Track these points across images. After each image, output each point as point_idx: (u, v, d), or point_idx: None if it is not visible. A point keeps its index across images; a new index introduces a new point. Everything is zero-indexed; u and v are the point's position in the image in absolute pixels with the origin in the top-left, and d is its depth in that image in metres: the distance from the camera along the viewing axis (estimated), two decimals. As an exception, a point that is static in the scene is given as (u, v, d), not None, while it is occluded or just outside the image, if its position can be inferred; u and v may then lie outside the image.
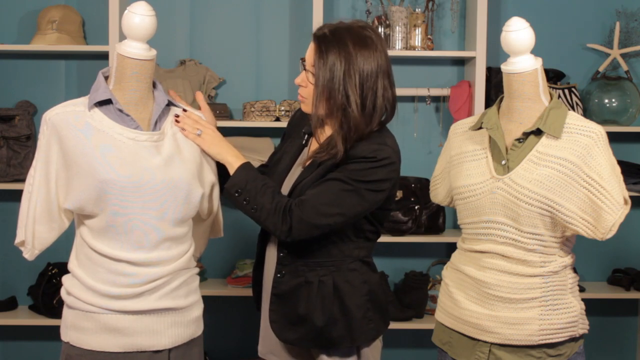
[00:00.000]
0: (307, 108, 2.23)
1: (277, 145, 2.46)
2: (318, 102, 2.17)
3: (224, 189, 2.21)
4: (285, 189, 2.27)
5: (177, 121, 2.19)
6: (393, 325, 3.54)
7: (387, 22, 3.60)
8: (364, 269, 2.28)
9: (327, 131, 2.25)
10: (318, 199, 2.14)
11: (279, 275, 2.25)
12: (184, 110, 2.22)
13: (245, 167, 2.19)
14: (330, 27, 2.19)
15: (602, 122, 3.56)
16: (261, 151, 3.59)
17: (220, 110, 3.52)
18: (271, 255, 2.31)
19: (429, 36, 3.62)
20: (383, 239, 3.58)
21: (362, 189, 2.16)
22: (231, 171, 2.19)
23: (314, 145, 2.32)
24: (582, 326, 2.26)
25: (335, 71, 2.13)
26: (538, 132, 2.19)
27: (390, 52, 3.58)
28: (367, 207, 2.19)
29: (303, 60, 2.24)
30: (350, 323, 2.23)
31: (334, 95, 2.14)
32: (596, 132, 2.17)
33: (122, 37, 2.20)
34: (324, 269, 2.23)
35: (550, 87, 3.13)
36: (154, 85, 2.20)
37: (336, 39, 2.14)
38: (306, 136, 2.34)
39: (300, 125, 2.37)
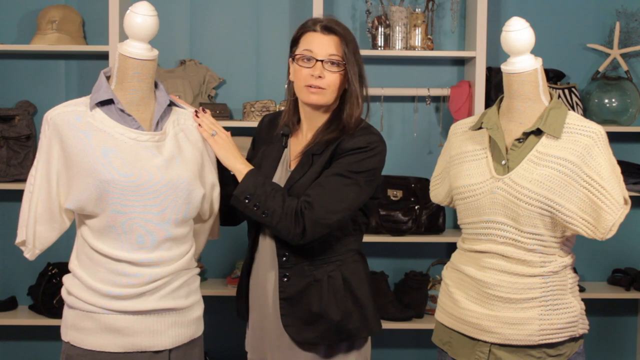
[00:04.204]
0: (324, 99, 2.27)
1: (249, 153, 2.46)
2: (339, 89, 2.27)
3: (232, 196, 2.21)
4: None
5: (197, 116, 2.22)
6: (393, 325, 3.57)
7: (387, 22, 3.60)
8: (363, 260, 2.39)
9: (317, 122, 2.31)
10: (325, 198, 2.19)
11: (284, 279, 2.27)
12: (202, 110, 2.25)
13: (253, 173, 2.22)
14: (330, 20, 2.30)
15: (602, 122, 3.56)
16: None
17: (220, 110, 3.52)
18: (265, 261, 2.33)
19: (429, 36, 3.62)
20: (383, 238, 3.59)
21: (360, 180, 2.23)
22: (239, 177, 2.22)
23: (294, 145, 2.36)
24: (582, 326, 2.26)
25: (358, 59, 2.28)
26: (538, 132, 2.20)
27: (390, 52, 3.59)
28: (366, 197, 2.27)
29: (302, 56, 2.26)
30: (365, 313, 2.30)
31: (355, 80, 2.27)
32: (596, 132, 2.17)
33: (123, 37, 2.20)
34: (330, 265, 2.28)
35: (550, 87, 3.13)
36: (156, 86, 2.20)
37: (347, 31, 2.29)
38: (284, 138, 2.37)
39: (270, 131, 2.40)
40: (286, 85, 2.38)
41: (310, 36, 2.26)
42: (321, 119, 2.31)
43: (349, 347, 2.31)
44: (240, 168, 2.23)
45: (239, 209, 2.23)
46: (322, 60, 2.23)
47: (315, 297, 2.26)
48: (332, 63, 2.23)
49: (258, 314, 2.36)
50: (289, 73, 2.34)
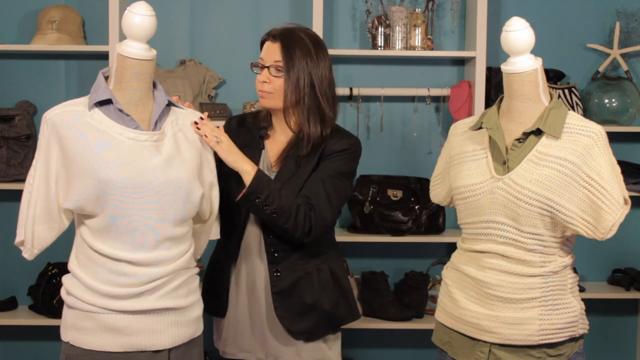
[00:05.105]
0: (273, 102, 2.40)
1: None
2: (289, 93, 2.37)
3: (242, 196, 2.27)
4: None
5: (197, 128, 2.24)
6: (393, 325, 3.57)
7: (387, 22, 3.60)
8: (340, 253, 2.58)
9: (286, 124, 2.44)
10: (324, 199, 2.35)
11: (276, 274, 2.39)
12: (201, 118, 2.27)
13: (261, 173, 2.30)
14: (285, 28, 2.42)
15: (602, 122, 3.56)
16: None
17: (220, 110, 3.52)
18: (251, 258, 2.43)
19: (429, 36, 3.62)
20: (383, 238, 3.59)
21: (347, 180, 2.45)
22: (248, 178, 2.28)
23: (270, 146, 2.48)
24: (582, 326, 2.26)
25: (309, 65, 2.37)
26: (538, 132, 2.20)
27: (390, 52, 3.59)
28: (350, 194, 2.56)
29: (255, 65, 2.42)
30: (349, 301, 2.52)
31: (300, 84, 2.36)
32: (596, 132, 2.17)
33: (122, 37, 2.20)
34: (318, 259, 2.45)
35: (550, 87, 3.13)
36: (154, 86, 2.20)
37: (295, 37, 2.39)
38: (261, 140, 2.47)
39: (240, 134, 2.50)
40: None
41: (264, 45, 2.42)
42: (289, 120, 2.44)
43: (334, 332, 2.51)
44: (248, 169, 2.29)
45: (245, 208, 2.33)
46: (268, 67, 2.38)
47: (307, 289, 2.41)
48: (277, 69, 2.37)
49: (241, 309, 2.46)
50: None
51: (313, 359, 2.46)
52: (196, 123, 2.24)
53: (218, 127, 2.34)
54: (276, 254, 2.40)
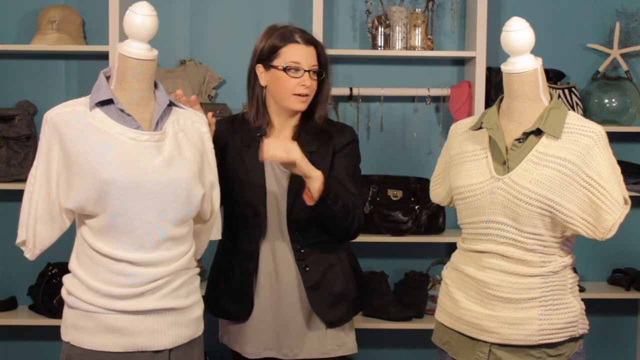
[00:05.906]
0: (307, 104, 2.47)
1: (219, 155, 2.44)
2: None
3: (319, 199, 2.30)
4: (273, 188, 2.45)
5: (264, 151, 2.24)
6: (393, 325, 3.57)
7: (387, 22, 3.60)
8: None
9: (290, 122, 2.50)
10: (359, 196, 2.48)
11: (306, 269, 2.48)
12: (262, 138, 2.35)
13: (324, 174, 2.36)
14: (303, 30, 2.50)
15: (602, 122, 3.56)
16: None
17: (220, 110, 3.52)
18: (277, 257, 2.49)
19: (429, 36, 3.62)
20: (383, 238, 3.59)
21: (360, 171, 2.58)
22: (319, 182, 2.29)
23: None
24: (582, 326, 2.26)
25: (328, 63, 2.52)
26: (538, 132, 2.20)
27: (390, 52, 3.59)
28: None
29: (288, 67, 2.42)
30: (365, 289, 2.70)
31: (328, 83, 2.52)
32: (596, 132, 2.18)
33: (123, 37, 2.20)
34: (337, 250, 2.55)
35: (550, 87, 3.13)
36: (155, 86, 2.20)
37: (317, 39, 2.51)
38: (262, 139, 2.45)
39: (233, 135, 2.52)
40: (251, 89, 2.53)
41: (294, 47, 2.43)
42: (293, 118, 2.51)
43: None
44: (318, 174, 2.31)
45: (317, 208, 2.33)
46: (308, 71, 2.44)
47: (335, 280, 2.52)
48: (314, 72, 2.46)
49: (265, 309, 2.49)
50: (256, 77, 2.50)
51: (335, 345, 2.55)
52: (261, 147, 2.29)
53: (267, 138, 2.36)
54: (302, 250, 2.48)
